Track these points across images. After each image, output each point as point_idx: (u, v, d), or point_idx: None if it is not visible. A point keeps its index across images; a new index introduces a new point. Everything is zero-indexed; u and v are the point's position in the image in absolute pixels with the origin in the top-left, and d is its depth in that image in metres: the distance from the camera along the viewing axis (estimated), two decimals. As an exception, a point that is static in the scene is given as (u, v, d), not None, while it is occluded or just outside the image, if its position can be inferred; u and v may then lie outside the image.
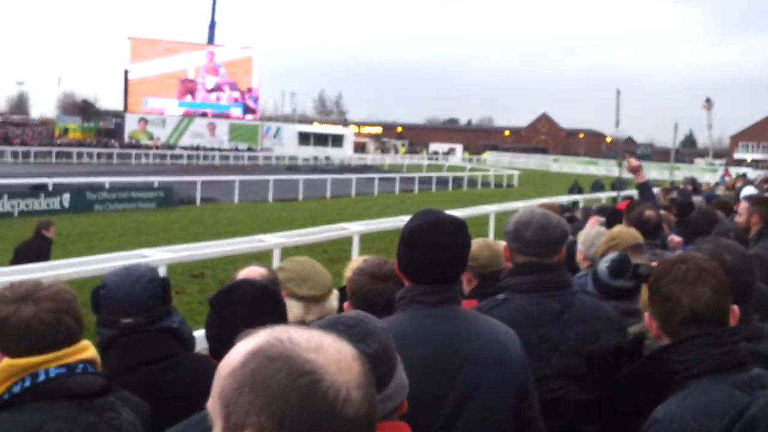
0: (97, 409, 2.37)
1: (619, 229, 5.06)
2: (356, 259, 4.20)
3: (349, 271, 4.63)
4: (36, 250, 13.95)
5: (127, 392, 2.62)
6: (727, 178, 36.72)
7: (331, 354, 1.26)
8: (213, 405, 1.28)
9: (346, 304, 3.35)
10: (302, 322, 3.51)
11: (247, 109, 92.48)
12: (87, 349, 2.46)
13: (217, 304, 2.87)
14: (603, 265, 4.05)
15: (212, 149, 78.93)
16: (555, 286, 3.40)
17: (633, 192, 30.01)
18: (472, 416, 2.72)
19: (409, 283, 2.94)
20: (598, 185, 39.87)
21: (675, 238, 6.71)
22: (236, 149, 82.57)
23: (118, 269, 3.45)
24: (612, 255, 4.17)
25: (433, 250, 2.86)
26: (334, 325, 1.94)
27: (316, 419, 1.20)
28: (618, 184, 39.03)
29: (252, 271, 3.57)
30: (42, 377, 2.32)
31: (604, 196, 30.83)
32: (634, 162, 8.33)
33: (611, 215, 7.00)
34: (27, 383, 2.31)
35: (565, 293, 3.41)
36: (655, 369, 2.61)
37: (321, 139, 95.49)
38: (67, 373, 2.36)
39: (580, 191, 34.85)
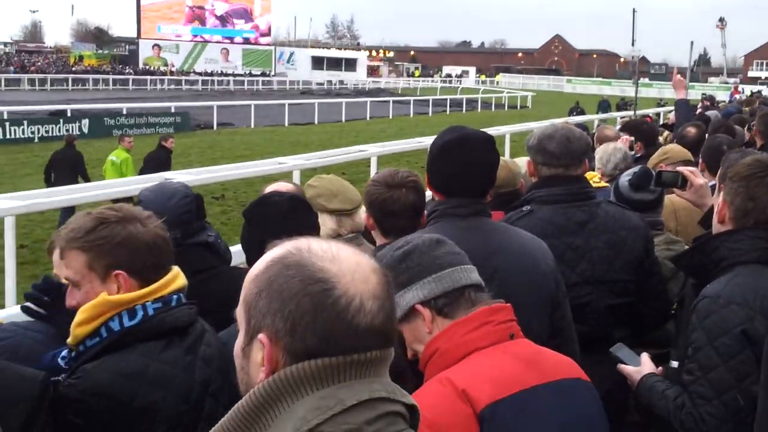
0: (191, 345, 2.34)
1: (671, 145, 5.16)
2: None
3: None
4: (158, 160, 16.24)
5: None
6: (737, 96, 36.21)
7: (347, 264, 1.29)
8: (239, 310, 1.35)
9: (365, 216, 3.42)
10: (338, 236, 3.63)
11: (260, 35, 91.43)
12: (178, 277, 2.40)
13: (250, 216, 2.95)
14: (624, 178, 4.08)
15: (226, 74, 78.38)
16: (580, 196, 3.46)
17: (646, 111, 29.69)
18: None
19: (440, 197, 3.00)
20: (605, 104, 39.12)
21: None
22: (250, 74, 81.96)
23: (152, 186, 3.52)
24: (634, 168, 4.21)
25: (463, 163, 2.91)
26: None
27: (326, 325, 1.24)
28: (623, 104, 38.55)
29: (280, 186, 3.64)
30: (140, 314, 2.24)
31: (618, 116, 30.54)
32: (679, 78, 8.37)
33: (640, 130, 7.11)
34: (126, 321, 2.23)
35: (590, 204, 3.47)
36: (707, 253, 2.76)
37: (334, 64, 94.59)
38: (164, 307, 2.29)
39: (581, 113, 34.13)
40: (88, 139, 28.19)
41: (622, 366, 2.95)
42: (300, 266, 1.27)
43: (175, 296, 2.34)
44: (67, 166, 15.68)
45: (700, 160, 5.21)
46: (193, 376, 2.29)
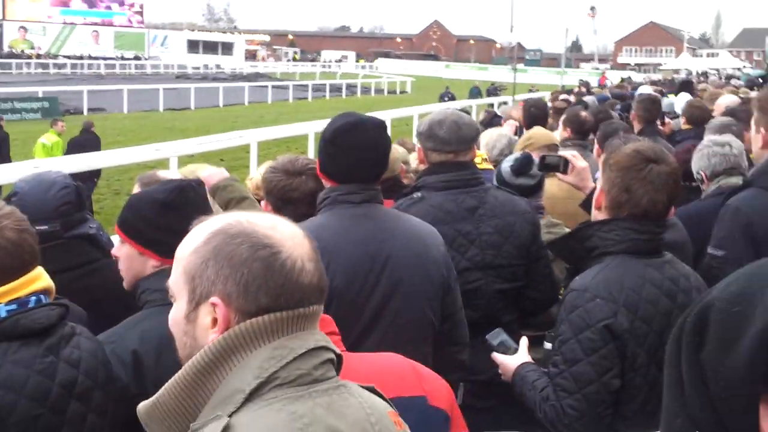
0: (53, 346, 2.21)
1: (535, 129, 5.23)
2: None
3: (249, 182, 4.65)
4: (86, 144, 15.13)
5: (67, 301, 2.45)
6: (604, 82, 37.61)
7: (286, 231, 1.43)
8: (175, 282, 1.44)
9: (263, 203, 3.35)
10: None
11: (133, 17, 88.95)
12: (38, 278, 2.28)
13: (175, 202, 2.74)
14: (506, 164, 4.15)
15: (97, 58, 75.83)
16: (470, 182, 3.48)
17: (503, 98, 30.36)
18: (397, 310, 2.80)
19: (332, 183, 2.96)
20: (475, 90, 39.50)
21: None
22: (122, 58, 79.54)
23: (29, 177, 3.33)
24: (516, 154, 4.28)
25: (355, 149, 2.88)
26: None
27: (277, 285, 1.37)
28: (493, 90, 39.33)
29: (165, 174, 3.50)
30: None
31: (497, 101, 31.14)
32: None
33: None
34: None
35: (480, 189, 3.49)
36: (579, 242, 2.76)
37: (211, 47, 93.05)
38: (19, 309, 2.18)
39: (452, 98, 34.55)
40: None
41: (495, 355, 2.94)
42: (246, 234, 1.39)
43: (33, 297, 2.23)
44: None
45: (596, 146, 5.30)
46: (53, 378, 2.17)
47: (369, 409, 1.44)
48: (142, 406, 1.40)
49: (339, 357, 1.47)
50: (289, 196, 3.19)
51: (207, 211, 2.66)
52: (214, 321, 1.38)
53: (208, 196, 3.26)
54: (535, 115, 7.02)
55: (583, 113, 6.39)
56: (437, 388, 2.08)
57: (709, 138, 4.59)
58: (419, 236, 2.95)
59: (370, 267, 2.77)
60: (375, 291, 2.78)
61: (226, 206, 3.90)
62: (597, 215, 2.81)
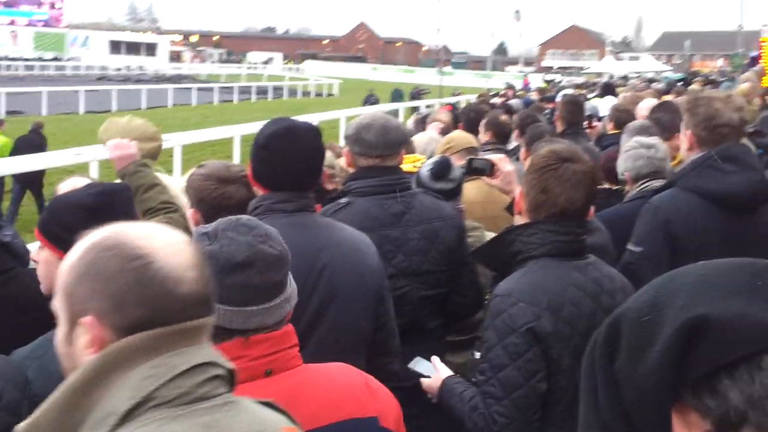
0: None
1: (455, 132, 5.25)
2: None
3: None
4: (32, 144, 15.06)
5: None
6: (527, 84, 38.15)
7: (162, 239, 1.37)
8: (57, 301, 1.39)
9: (192, 211, 3.24)
10: None
11: (52, 17, 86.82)
12: None
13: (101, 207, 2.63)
14: (425, 168, 4.16)
15: (15, 59, 73.71)
16: (396, 187, 3.45)
17: (439, 100, 30.62)
18: (333, 321, 2.77)
19: (265, 191, 2.91)
20: (397, 94, 39.09)
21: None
22: (41, 59, 77.51)
23: None
24: (434, 158, 4.29)
25: (289, 156, 2.84)
26: (236, 226, 1.92)
27: (151, 297, 1.31)
28: (416, 93, 39.45)
29: (77, 183, 3.39)
30: None
31: (424, 103, 31.29)
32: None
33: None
34: None
35: (406, 194, 3.48)
36: (502, 248, 2.78)
37: (133, 48, 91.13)
38: None
39: (376, 102, 34.45)
40: None
41: (423, 380, 2.93)
42: (116, 246, 1.33)
43: None
44: None
45: (524, 148, 5.35)
46: None
47: (259, 426, 1.39)
48: (20, 426, 1.33)
49: (231, 372, 1.40)
50: (223, 204, 3.08)
51: (133, 216, 2.59)
52: (91, 340, 1.32)
53: None
54: (475, 119, 7.01)
55: (503, 117, 6.46)
56: (387, 406, 2.03)
57: (636, 139, 4.64)
58: (354, 245, 2.93)
59: (307, 276, 2.70)
60: (311, 300, 2.72)
61: (135, 193, 3.72)
62: (518, 219, 2.83)
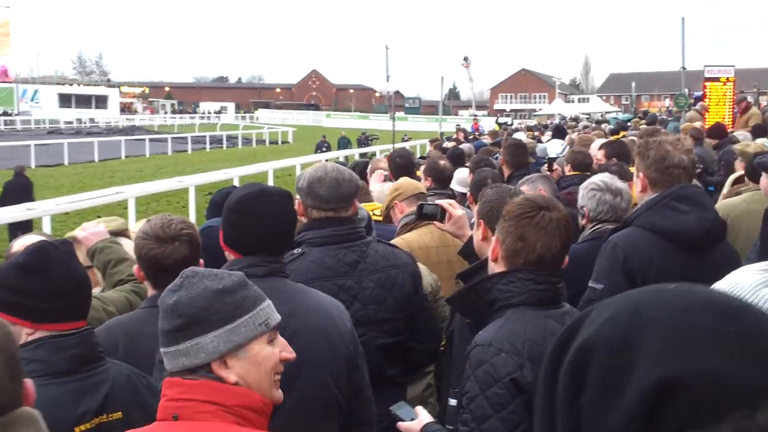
0: None
1: (402, 179, 5.26)
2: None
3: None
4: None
5: None
6: (477, 128, 38.58)
7: None
8: None
9: (135, 268, 3.21)
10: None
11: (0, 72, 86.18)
12: None
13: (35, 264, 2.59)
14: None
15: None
16: (350, 237, 3.47)
17: (384, 147, 30.84)
18: (303, 389, 2.72)
19: (235, 255, 2.90)
20: (343, 141, 39.34)
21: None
22: (-11, 113, 76.72)
23: None
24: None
25: (260, 219, 2.84)
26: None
27: None
28: (364, 139, 39.65)
29: (30, 241, 3.34)
30: None
31: (377, 149, 31.45)
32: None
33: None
34: None
35: (360, 244, 3.49)
36: (479, 295, 2.76)
37: (84, 101, 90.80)
38: None
39: (328, 148, 34.61)
40: None
41: (400, 424, 2.89)
42: None
43: None
44: None
45: (469, 193, 5.36)
46: None
47: None
48: None
49: None
50: (161, 264, 3.04)
51: (73, 270, 2.54)
52: None
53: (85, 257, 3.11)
54: (401, 165, 6.85)
55: (442, 162, 6.41)
56: None
57: (603, 180, 4.63)
58: (326, 310, 2.92)
59: None
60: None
61: (104, 268, 3.75)
62: (494, 267, 2.82)
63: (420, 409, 2.89)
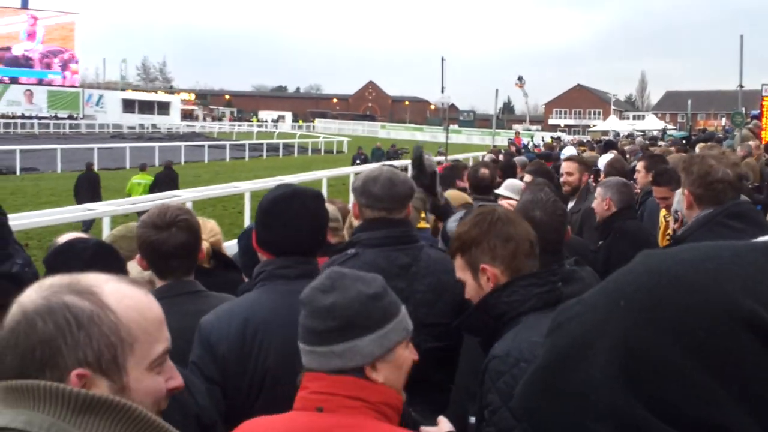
0: None
1: (449, 192, 5.31)
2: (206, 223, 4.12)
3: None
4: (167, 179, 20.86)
5: None
6: (524, 144, 38.21)
7: None
8: None
9: (137, 257, 3.23)
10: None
11: (67, 76, 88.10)
12: None
13: (51, 264, 2.79)
14: (452, 223, 4.19)
15: (30, 117, 74.64)
16: (403, 240, 3.48)
17: (444, 157, 30.93)
18: None
19: (268, 256, 2.92)
20: (378, 152, 39.14)
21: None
22: (56, 117, 78.42)
23: None
24: (461, 213, 4.32)
25: (292, 221, 2.86)
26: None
27: None
28: (393, 152, 39.38)
29: (72, 237, 3.41)
30: None
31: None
32: None
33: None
34: None
35: (413, 247, 3.50)
36: (485, 314, 2.76)
37: (146, 107, 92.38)
38: None
39: (365, 160, 34.64)
40: None
41: (423, 428, 2.91)
42: None
43: None
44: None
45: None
46: None
47: None
48: None
49: None
50: (158, 250, 3.08)
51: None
52: None
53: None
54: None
55: (483, 170, 6.45)
56: None
57: None
58: None
59: None
60: None
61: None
62: (488, 286, 2.81)
63: (442, 418, 2.93)
